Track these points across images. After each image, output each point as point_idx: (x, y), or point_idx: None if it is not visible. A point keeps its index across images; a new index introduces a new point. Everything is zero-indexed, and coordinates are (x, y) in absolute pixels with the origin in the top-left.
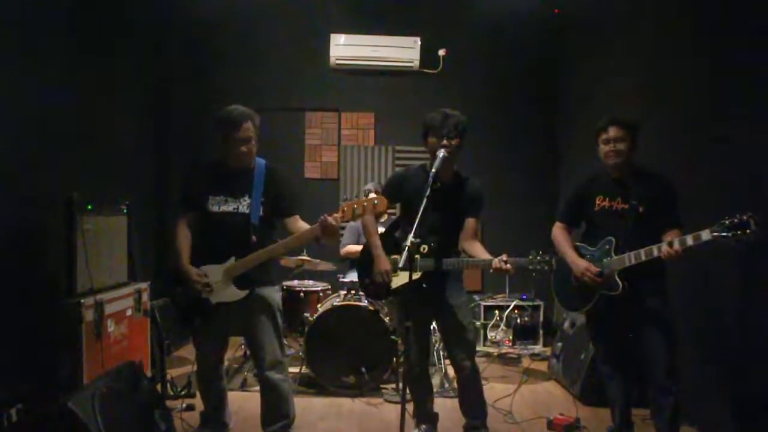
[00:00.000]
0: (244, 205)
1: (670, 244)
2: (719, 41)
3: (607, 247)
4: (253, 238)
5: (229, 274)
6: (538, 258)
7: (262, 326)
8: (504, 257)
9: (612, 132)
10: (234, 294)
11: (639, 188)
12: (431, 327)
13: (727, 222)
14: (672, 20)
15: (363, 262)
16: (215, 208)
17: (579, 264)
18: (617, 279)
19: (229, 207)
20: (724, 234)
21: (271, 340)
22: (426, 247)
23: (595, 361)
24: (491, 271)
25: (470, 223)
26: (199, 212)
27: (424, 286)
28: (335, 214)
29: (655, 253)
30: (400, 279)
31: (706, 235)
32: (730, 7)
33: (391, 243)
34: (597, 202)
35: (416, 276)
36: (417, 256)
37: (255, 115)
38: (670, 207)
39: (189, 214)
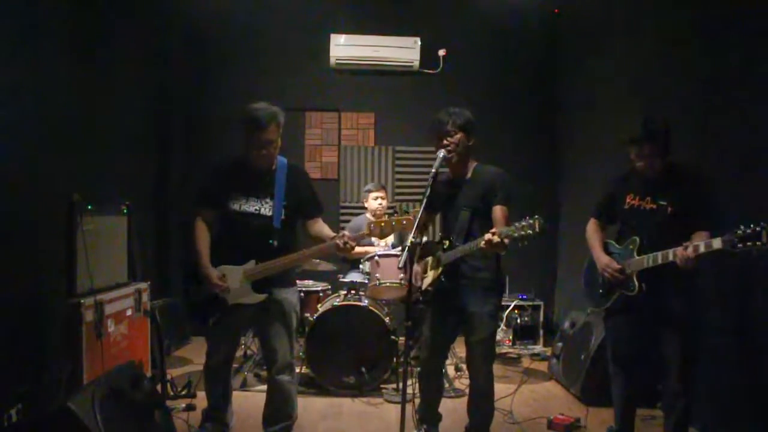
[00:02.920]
0: (266, 207)
1: (685, 248)
2: (719, 41)
3: (631, 246)
4: (275, 243)
5: (248, 276)
6: (523, 224)
7: (277, 329)
8: (494, 230)
9: (647, 149)
10: (252, 297)
11: (670, 189)
12: (454, 332)
13: (739, 232)
14: (672, 20)
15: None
16: (236, 207)
17: (601, 259)
18: (635, 280)
19: (250, 207)
20: (735, 243)
21: (285, 343)
22: (448, 242)
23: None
24: (482, 245)
25: (496, 211)
26: (217, 210)
27: (443, 279)
28: (363, 231)
29: (671, 257)
30: (429, 278)
31: (717, 243)
32: (730, 7)
33: (427, 246)
34: (627, 200)
35: (437, 273)
36: (439, 253)
37: (281, 114)
38: (700, 208)
39: (206, 211)
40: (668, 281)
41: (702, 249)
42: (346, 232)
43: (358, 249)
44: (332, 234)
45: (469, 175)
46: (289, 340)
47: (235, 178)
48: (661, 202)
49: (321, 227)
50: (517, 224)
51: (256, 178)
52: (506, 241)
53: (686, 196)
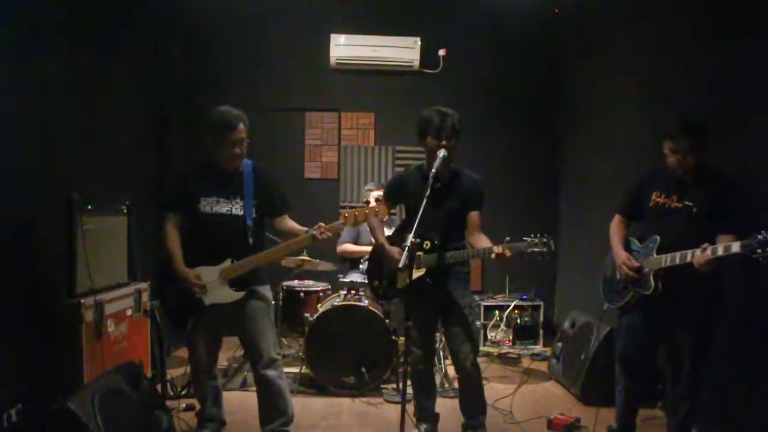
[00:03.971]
0: (237, 207)
1: (703, 249)
2: (720, 41)
3: (651, 245)
4: (249, 240)
5: (225, 275)
6: (536, 241)
7: (258, 326)
8: (503, 244)
9: (683, 144)
10: (229, 295)
11: (697, 189)
12: (437, 326)
13: (760, 237)
14: (672, 20)
15: (372, 264)
16: (207, 209)
17: (620, 255)
18: (651, 279)
19: (222, 208)
20: (755, 248)
21: (267, 339)
22: (429, 243)
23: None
24: (492, 257)
25: (473, 216)
26: (187, 213)
27: (429, 280)
28: (339, 221)
29: (689, 257)
30: (406, 277)
31: (736, 247)
32: (730, 7)
33: (398, 245)
34: (653, 197)
35: (420, 273)
36: (420, 253)
37: (245, 117)
38: (727, 211)
39: (175, 216)
40: (687, 283)
41: (720, 252)
42: (322, 224)
43: (358, 248)
44: (302, 228)
45: (448, 178)
46: (272, 336)
47: (203, 181)
48: (687, 202)
49: (289, 223)
50: (529, 240)
51: (225, 179)
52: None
53: (713, 197)
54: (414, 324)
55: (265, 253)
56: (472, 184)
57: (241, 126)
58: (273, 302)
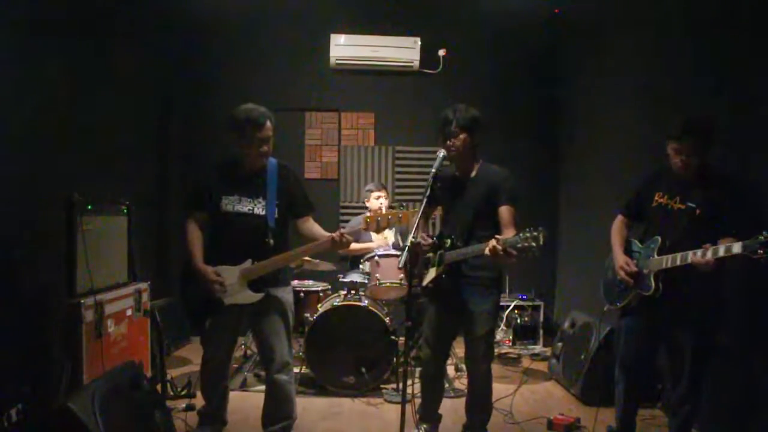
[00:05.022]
0: (259, 207)
1: (703, 252)
2: (719, 41)
3: (652, 246)
4: (270, 241)
5: (245, 276)
6: (527, 235)
7: (274, 328)
8: (497, 236)
9: (687, 145)
10: (248, 297)
11: (701, 190)
12: (456, 330)
13: (761, 238)
14: (672, 20)
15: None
16: (229, 208)
17: (619, 259)
18: (652, 280)
19: (244, 207)
20: (756, 249)
21: (282, 342)
22: (449, 242)
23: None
24: (487, 253)
25: (503, 212)
26: (209, 212)
27: (443, 277)
28: (359, 226)
29: (689, 258)
30: (430, 275)
31: (737, 248)
32: (730, 7)
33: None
34: (655, 198)
35: (438, 271)
36: (440, 251)
37: (272, 114)
38: (730, 213)
39: (197, 214)
40: (688, 284)
41: (721, 252)
42: (343, 228)
43: (357, 246)
44: (324, 232)
45: (473, 173)
46: (287, 339)
47: (226, 179)
48: (690, 204)
49: (312, 226)
50: (521, 235)
51: (248, 178)
52: (512, 251)
53: (717, 199)
54: (429, 324)
55: (284, 255)
56: (494, 178)
57: (269, 123)
58: (293, 305)
